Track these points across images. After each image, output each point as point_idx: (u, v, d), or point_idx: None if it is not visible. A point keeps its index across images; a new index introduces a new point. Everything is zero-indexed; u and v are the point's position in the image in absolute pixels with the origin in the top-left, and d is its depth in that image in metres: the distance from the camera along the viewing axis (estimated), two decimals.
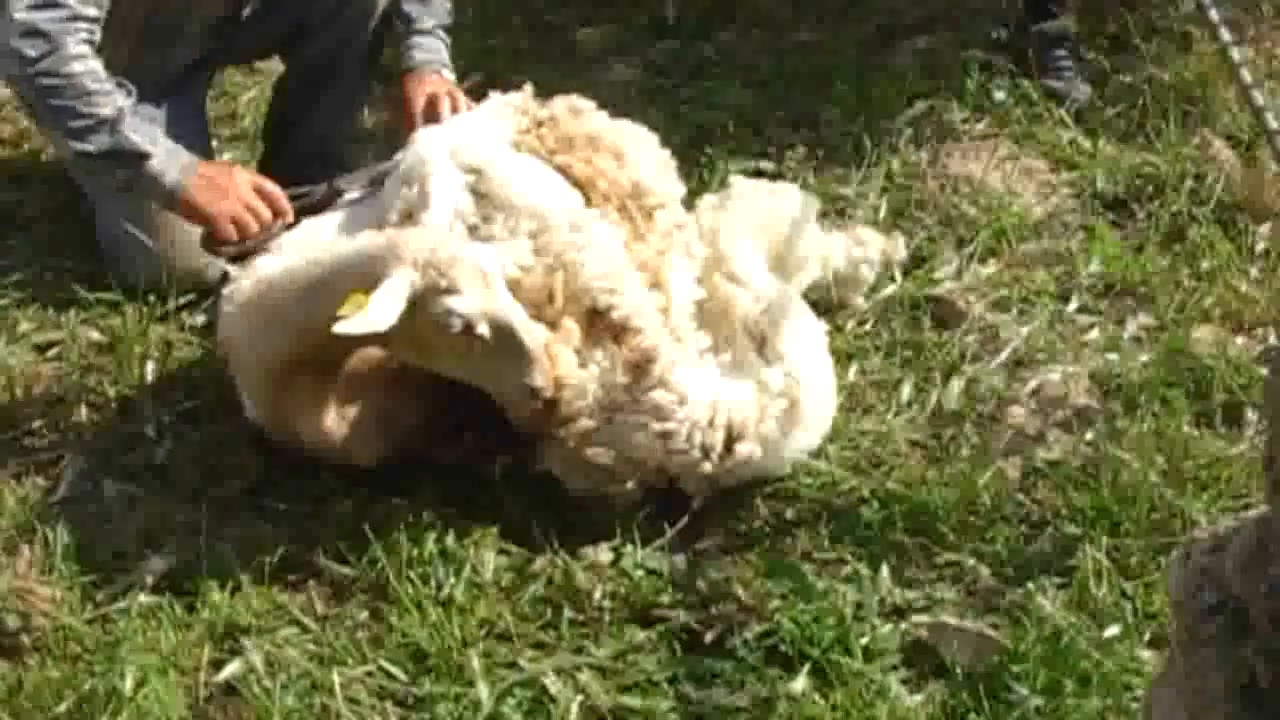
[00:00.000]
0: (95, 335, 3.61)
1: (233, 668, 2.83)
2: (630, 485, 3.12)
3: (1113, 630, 2.82)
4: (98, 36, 3.39)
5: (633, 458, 3.09)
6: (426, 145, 3.30)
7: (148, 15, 3.63)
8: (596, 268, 3.12)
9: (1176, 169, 4.04)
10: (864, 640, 2.82)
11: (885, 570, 2.98)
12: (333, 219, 3.39)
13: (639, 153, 3.42)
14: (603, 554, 3.05)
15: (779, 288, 3.32)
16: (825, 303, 3.58)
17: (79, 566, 3.01)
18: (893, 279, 3.74)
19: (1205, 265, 3.76)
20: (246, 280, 3.18)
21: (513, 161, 3.28)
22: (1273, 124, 2.56)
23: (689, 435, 3.07)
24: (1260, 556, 1.49)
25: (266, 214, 3.42)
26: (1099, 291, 3.73)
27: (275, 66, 4.17)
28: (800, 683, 2.76)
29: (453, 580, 2.96)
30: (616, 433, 3.07)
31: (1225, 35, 2.78)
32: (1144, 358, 3.49)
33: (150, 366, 3.50)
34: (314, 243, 3.27)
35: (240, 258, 3.37)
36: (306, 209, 3.47)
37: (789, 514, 3.15)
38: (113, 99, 3.38)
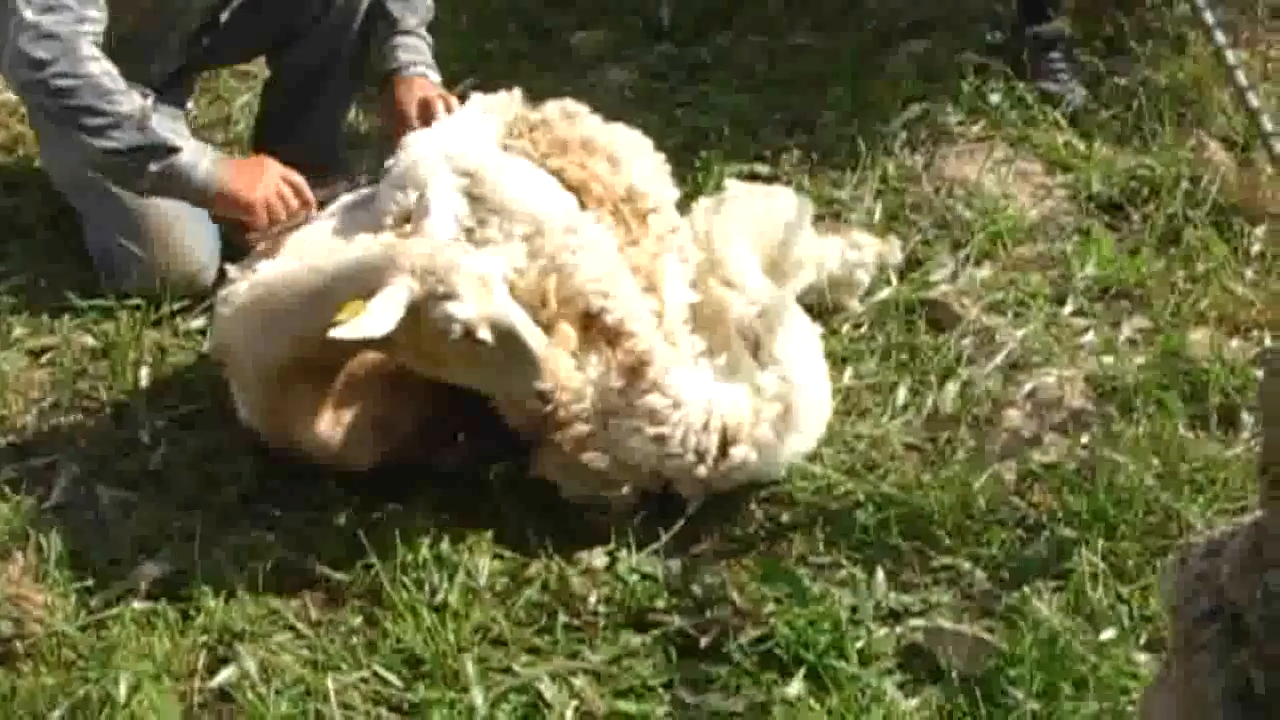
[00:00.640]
0: (89, 341, 3.61)
1: (227, 674, 2.82)
2: (625, 490, 3.11)
3: (1109, 633, 2.81)
4: (101, 39, 3.38)
5: (627, 462, 3.08)
6: (420, 150, 3.29)
7: (129, 31, 3.57)
8: (591, 271, 3.12)
9: (1172, 171, 4.03)
10: (859, 644, 2.82)
11: (881, 574, 2.97)
12: (327, 223, 3.39)
13: (633, 157, 3.42)
14: (598, 559, 3.05)
15: (774, 291, 3.32)
16: (820, 306, 3.57)
17: (73, 573, 3.00)
18: (888, 282, 3.73)
19: (1200, 268, 3.76)
20: (243, 284, 3.18)
21: (505, 165, 3.28)
22: (1268, 126, 2.55)
23: (683, 439, 3.06)
24: (1256, 561, 1.48)
25: (295, 202, 3.44)
26: (1094, 294, 3.73)
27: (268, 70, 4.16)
28: (796, 687, 2.75)
29: (447, 585, 2.96)
30: (611, 437, 3.07)
31: (1220, 37, 2.77)
32: (1139, 360, 3.48)
33: (145, 372, 3.50)
34: (309, 246, 3.27)
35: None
36: (328, 201, 3.49)
37: (784, 518, 3.15)
38: (131, 97, 3.38)
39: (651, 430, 3.06)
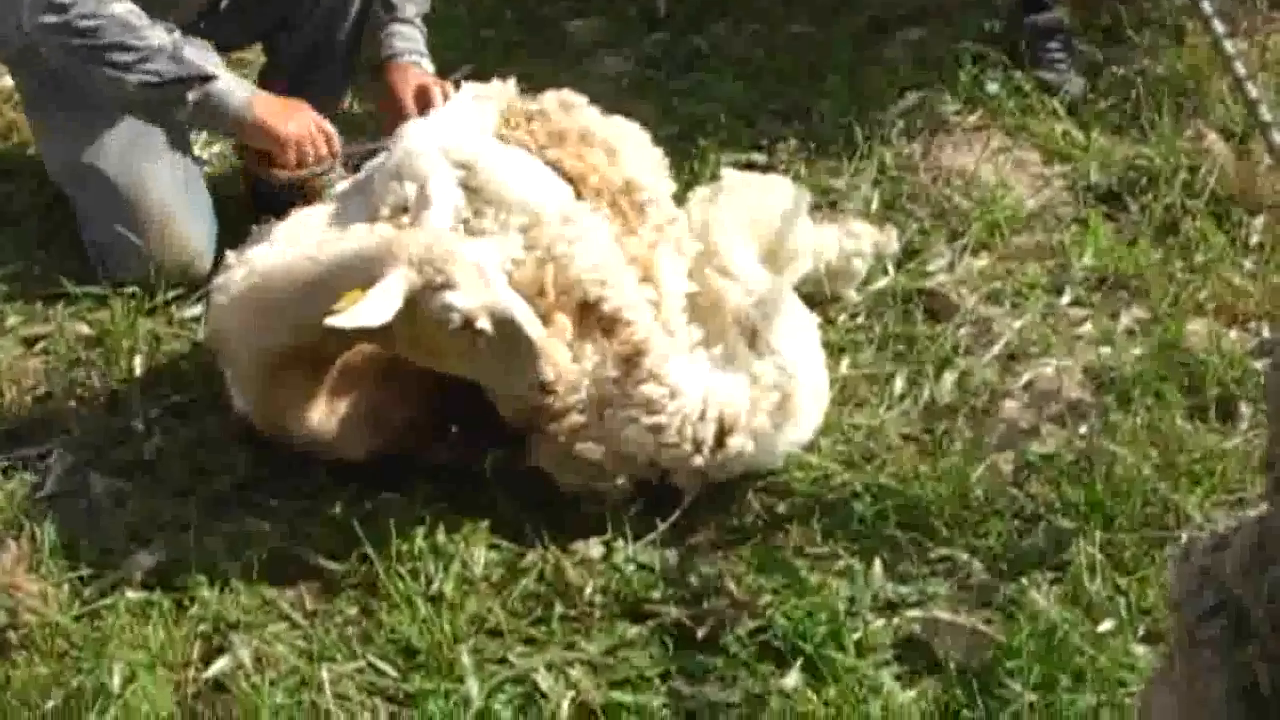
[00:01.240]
0: (83, 329, 3.60)
1: (221, 664, 2.81)
2: (621, 480, 3.10)
3: (1107, 625, 2.81)
4: None
5: (624, 452, 3.07)
6: (417, 140, 3.28)
7: None
8: (587, 260, 3.11)
9: (1170, 161, 4.02)
10: (856, 635, 2.81)
11: (878, 565, 2.97)
12: (322, 210, 3.38)
13: (630, 148, 3.41)
14: (594, 549, 3.04)
15: (771, 281, 3.31)
16: (817, 296, 3.57)
17: (67, 562, 2.99)
18: (885, 272, 3.72)
19: (1199, 258, 3.75)
20: (239, 273, 3.17)
21: (502, 155, 3.27)
22: (1266, 116, 2.54)
23: (680, 429, 3.06)
24: (1260, 557, 1.47)
25: (324, 149, 3.44)
26: (1092, 284, 3.72)
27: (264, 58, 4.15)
28: (793, 678, 2.75)
29: (443, 576, 2.95)
30: (607, 427, 3.06)
31: (1218, 27, 2.76)
32: (1137, 351, 3.47)
33: (139, 361, 3.49)
34: (305, 233, 3.25)
35: (288, 189, 3.42)
36: (352, 160, 3.51)
37: (781, 508, 3.14)
38: (159, 30, 3.39)
39: (648, 420, 3.05)
